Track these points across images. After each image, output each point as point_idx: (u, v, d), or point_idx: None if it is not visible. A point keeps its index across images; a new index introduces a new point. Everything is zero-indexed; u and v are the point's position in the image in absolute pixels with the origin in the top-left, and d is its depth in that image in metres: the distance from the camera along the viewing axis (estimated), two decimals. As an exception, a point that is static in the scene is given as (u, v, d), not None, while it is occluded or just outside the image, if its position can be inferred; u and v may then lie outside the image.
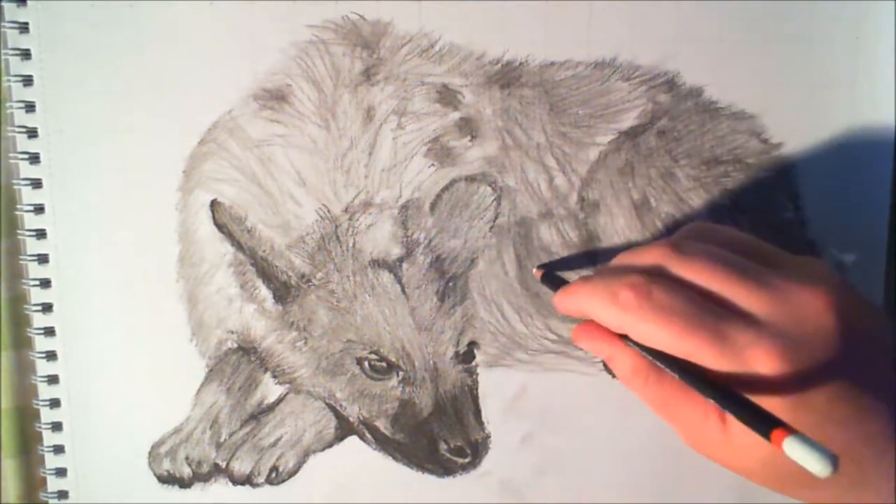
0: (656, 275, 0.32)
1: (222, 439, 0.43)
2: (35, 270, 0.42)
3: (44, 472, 0.43)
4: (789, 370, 0.29)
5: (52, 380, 0.43)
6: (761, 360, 0.29)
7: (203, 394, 0.43)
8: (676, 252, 0.32)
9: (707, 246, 0.33)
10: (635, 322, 0.31)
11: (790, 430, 0.26)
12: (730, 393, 0.29)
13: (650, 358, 0.32)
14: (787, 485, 0.31)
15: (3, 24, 0.40)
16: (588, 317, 0.34)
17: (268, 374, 0.43)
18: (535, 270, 0.41)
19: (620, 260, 0.35)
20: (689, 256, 0.32)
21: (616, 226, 0.41)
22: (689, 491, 0.43)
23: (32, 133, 0.41)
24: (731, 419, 0.30)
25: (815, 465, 0.25)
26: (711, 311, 0.30)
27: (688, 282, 0.31)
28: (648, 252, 0.33)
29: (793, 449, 0.25)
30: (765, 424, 0.27)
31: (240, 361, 0.43)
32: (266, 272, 0.42)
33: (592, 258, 0.41)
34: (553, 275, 0.40)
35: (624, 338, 0.33)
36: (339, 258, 0.41)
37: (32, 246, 0.42)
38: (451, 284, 0.42)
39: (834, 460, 0.25)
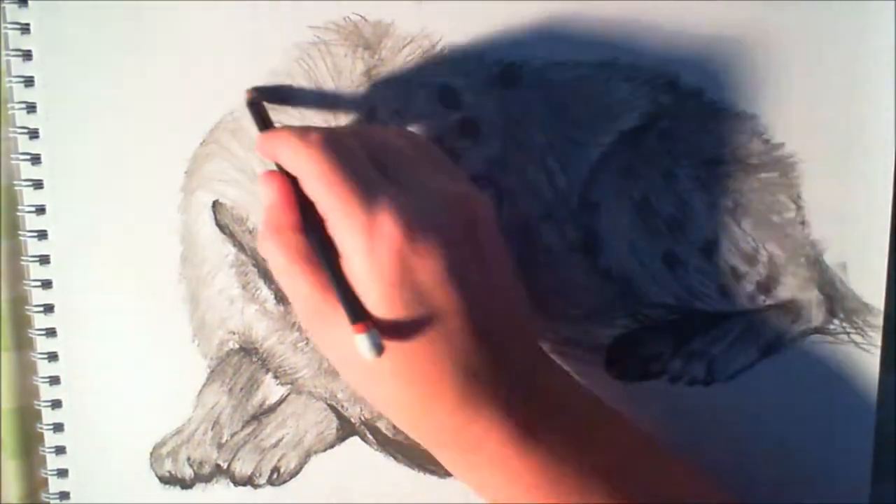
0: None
1: (224, 440, 0.43)
2: (36, 271, 0.42)
3: (45, 473, 0.43)
4: (407, 240, 0.31)
5: (54, 381, 0.43)
6: (387, 224, 0.31)
7: (205, 395, 0.43)
8: (373, 127, 0.38)
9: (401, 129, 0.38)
10: (312, 160, 0.32)
11: (369, 327, 0.30)
12: (340, 270, 0.32)
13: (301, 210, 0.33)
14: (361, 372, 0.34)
15: (4, 24, 0.40)
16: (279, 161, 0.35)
17: (269, 375, 0.43)
18: (246, 92, 0.39)
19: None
20: (379, 131, 0.37)
21: (617, 226, 0.41)
22: (691, 491, 0.43)
23: (34, 134, 0.41)
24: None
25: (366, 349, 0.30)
26: (379, 177, 0.32)
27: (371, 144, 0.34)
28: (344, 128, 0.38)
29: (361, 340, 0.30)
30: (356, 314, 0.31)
31: (241, 362, 0.43)
32: (268, 273, 0.42)
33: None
34: (264, 109, 0.39)
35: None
36: (340, 259, 0.41)
37: (34, 247, 0.42)
38: (452, 285, 0.42)
39: (379, 350, 0.30)
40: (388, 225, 0.31)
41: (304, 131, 0.33)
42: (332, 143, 0.33)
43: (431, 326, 0.31)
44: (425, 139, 0.39)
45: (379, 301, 0.31)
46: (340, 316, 0.32)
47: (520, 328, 0.35)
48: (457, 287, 0.31)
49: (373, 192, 0.31)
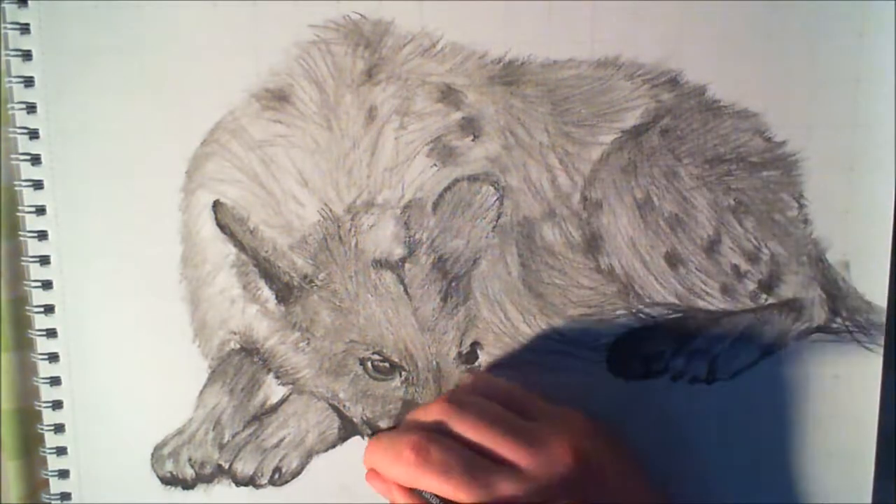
0: (437, 431, 0.37)
1: (225, 440, 0.43)
2: (36, 272, 0.42)
3: (46, 474, 0.43)
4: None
5: (54, 381, 0.43)
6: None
7: (206, 395, 0.43)
8: (454, 409, 0.38)
9: (481, 402, 0.38)
10: (418, 477, 0.36)
11: None
12: None
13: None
14: None
15: (4, 25, 0.40)
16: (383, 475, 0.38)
17: (271, 375, 0.43)
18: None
19: (411, 416, 0.40)
20: (465, 414, 0.37)
21: (619, 225, 0.41)
22: (691, 491, 0.43)
23: (34, 134, 0.41)
24: None
25: None
26: (482, 465, 0.36)
27: (464, 437, 0.37)
28: (432, 409, 0.38)
29: None
30: None
31: (242, 362, 0.43)
32: (268, 273, 0.42)
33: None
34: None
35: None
36: (341, 258, 0.41)
37: (34, 247, 0.42)
38: (453, 284, 0.42)
39: None
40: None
41: (394, 445, 0.37)
42: (425, 449, 0.36)
43: None
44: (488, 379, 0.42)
45: None
46: None
47: None
48: None
49: (491, 482, 0.35)
